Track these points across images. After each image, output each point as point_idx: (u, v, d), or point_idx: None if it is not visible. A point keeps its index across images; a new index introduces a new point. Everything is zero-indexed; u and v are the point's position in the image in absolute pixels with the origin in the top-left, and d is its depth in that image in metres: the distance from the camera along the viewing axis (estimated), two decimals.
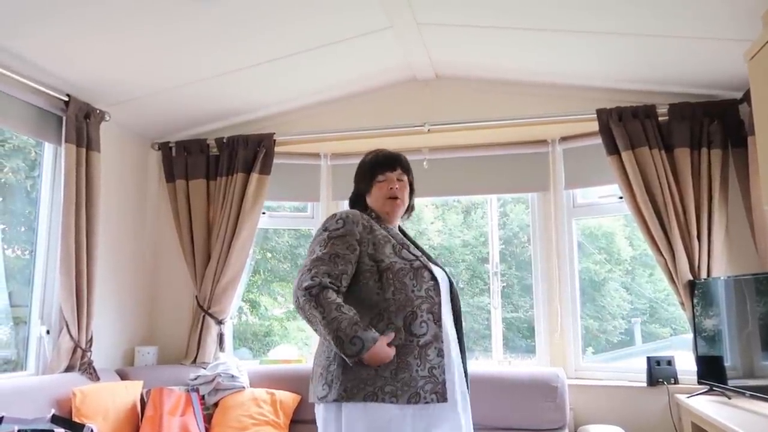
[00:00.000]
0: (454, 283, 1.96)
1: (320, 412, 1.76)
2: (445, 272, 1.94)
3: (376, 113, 3.51)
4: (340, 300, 1.70)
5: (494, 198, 3.58)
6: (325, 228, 1.82)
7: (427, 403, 1.67)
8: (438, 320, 1.77)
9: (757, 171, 2.62)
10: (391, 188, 1.93)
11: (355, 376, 1.68)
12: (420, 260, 1.82)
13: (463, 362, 1.88)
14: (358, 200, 2.00)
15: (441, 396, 1.69)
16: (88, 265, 2.93)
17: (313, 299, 1.68)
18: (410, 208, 2.06)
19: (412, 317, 1.74)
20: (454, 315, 1.91)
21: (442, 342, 1.75)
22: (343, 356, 1.67)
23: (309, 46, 2.89)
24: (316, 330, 1.72)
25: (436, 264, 1.95)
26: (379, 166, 1.95)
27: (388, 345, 1.70)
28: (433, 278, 1.81)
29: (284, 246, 4.42)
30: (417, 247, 1.99)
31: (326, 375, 1.73)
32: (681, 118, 2.96)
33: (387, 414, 1.65)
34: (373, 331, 1.68)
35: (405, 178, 1.98)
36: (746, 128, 2.84)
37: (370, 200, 1.96)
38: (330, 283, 1.71)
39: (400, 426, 1.65)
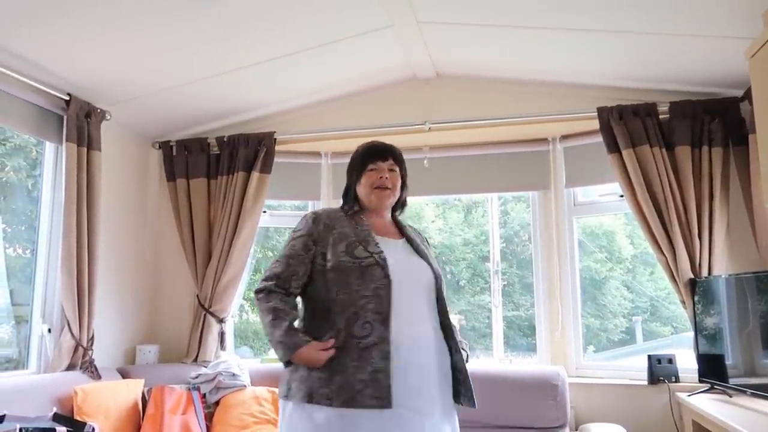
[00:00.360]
0: (441, 281, 1.84)
1: (279, 407, 1.79)
2: (432, 269, 1.83)
3: (376, 112, 3.51)
4: (281, 304, 1.72)
5: (495, 196, 3.59)
6: (294, 229, 1.85)
7: (365, 408, 1.59)
8: (385, 321, 1.66)
9: (758, 169, 2.62)
10: (380, 177, 1.85)
11: (297, 377, 1.69)
12: (375, 257, 1.72)
13: (454, 365, 1.78)
14: (347, 193, 1.94)
15: (384, 401, 1.59)
16: (90, 263, 2.94)
17: (259, 303, 1.75)
18: (403, 203, 1.97)
19: (354, 318, 1.67)
20: (440, 315, 1.81)
21: (389, 344, 1.64)
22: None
23: (309, 44, 2.89)
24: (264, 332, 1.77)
25: (426, 259, 1.84)
26: (370, 156, 1.88)
27: (335, 348, 1.65)
28: (386, 276, 1.70)
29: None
30: (409, 239, 1.89)
31: (284, 374, 1.76)
32: (682, 116, 2.96)
33: (323, 416, 1.61)
34: (300, 336, 1.68)
35: (397, 169, 1.90)
36: (747, 126, 2.83)
37: (359, 190, 1.89)
38: (276, 286, 1.75)
39: (328, 428, 1.60)
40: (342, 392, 1.61)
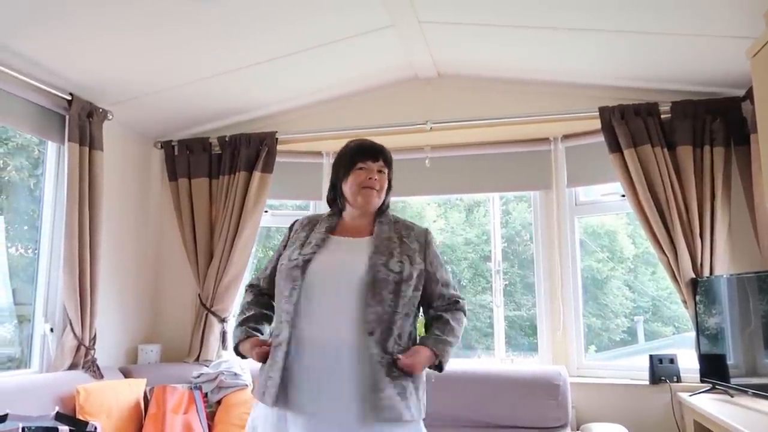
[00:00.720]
0: (377, 279, 1.65)
1: None
2: (370, 266, 1.67)
3: (378, 111, 3.51)
4: (250, 297, 1.90)
5: (496, 196, 3.59)
6: None
7: (266, 404, 1.65)
8: (289, 320, 1.65)
9: (759, 169, 2.61)
10: (369, 178, 1.79)
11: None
12: (300, 258, 1.71)
13: (359, 370, 1.60)
14: (333, 190, 1.89)
15: (273, 399, 1.61)
16: (92, 263, 2.94)
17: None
18: (386, 206, 1.88)
19: (277, 318, 1.76)
20: (373, 315, 1.63)
21: (289, 344, 1.63)
22: None
23: (311, 44, 2.89)
24: None
25: (374, 257, 1.69)
26: (361, 154, 1.82)
27: (269, 347, 1.72)
28: (301, 277, 1.67)
29: None
30: (377, 237, 1.77)
31: None
32: (683, 115, 2.95)
33: (256, 411, 1.73)
34: (245, 330, 1.80)
35: (386, 171, 1.84)
36: (749, 126, 2.83)
37: (345, 188, 1.82)
38: (252, 285, 1.93)
39: (261, 424, 1.69)
40: (259, 388, 1.70)
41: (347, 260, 1.72)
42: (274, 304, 1.85)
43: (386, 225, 1.84)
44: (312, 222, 1.90)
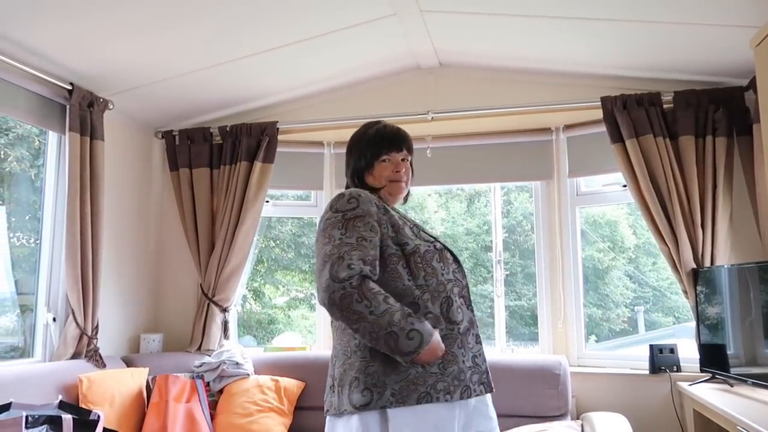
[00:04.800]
0: (463, 268, 1.78)
1: (351, 424, 1.48)
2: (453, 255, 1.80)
3: (379, 101, 3.50)
4: (385, 291, 1.48)
5: (498, 186, 3.58)
6: (336, 210, 1.57)
7: (477, 395, 1.55)
8: (469, 304, 1.64)
9: (762, 159, 2.61)
10: (397, 171, 1.73)
11: (403, 377, 1.47)
12: (440, 241, 1.67)
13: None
14: (358, 177, 1.76)
15: (488, 386, 1.58)
16: (94, 253, 2.95)
17: (354, 292, 1.43)
18: (408, 193, 1.86)
19: (448, 303, 1.57)
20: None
21: (477, 327, 1.63)
22: (397, 356, 1.44)
23: (312, 34, 2.88)
24: (356, 329, 1.45)
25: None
26: (385, 144, 1.73)
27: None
28: (456, 260, 1.67)
29: (288, 235, 4.43)
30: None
31: (364, 378, 1.48)
32: (686, 105, 2.94)
33: (436, 415, 1.47)
34: (428, 322, 1.49)
35: (409, 159, 1.80)
36: (752, 116, 2.82)
37: (371, 179, 1.74)
38: (370, 271, 1.49)
39: (449, 426, 1.48)
40: (458, 383, 1.51)
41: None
42: None
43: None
44: (378, 200, 1.66)
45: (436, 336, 1.47)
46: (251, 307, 4.40)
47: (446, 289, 1.58)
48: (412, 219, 1.74)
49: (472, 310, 1.65)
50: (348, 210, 1.56)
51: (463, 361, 1.54)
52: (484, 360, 1.61)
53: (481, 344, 1.63)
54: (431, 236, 1.68)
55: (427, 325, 1.47)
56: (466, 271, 1.75)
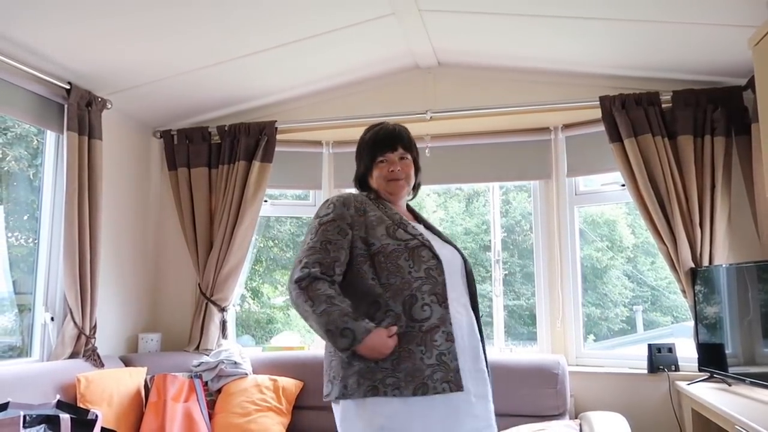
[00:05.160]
0: (469, 264, 1.81)
1: (334, 411, 1.68)
2: (459, 251, 1.81)
3: (378, 101, 3.50)
4: (332, 291, 1.60)
5: (496, 186, 3.58)
6: (316, 215, 1.73)
7: (437, 393, 1.53)
8: (443, 301, 1.63)
9: (760, 159, 2.60)
10: (391, 170, 1.80)
11: (354, 371, 1.57)
12: (419, 239, 1.68)
13: (482, 346, 1.74)
14: (362, 180, 1.87)
15: (455, 385, 1.55)
16: (92, 252, 2.94)
17: (303, 292, 1.59)
18: (416, 187, 1.92)
19: (411, 301, 1.61)
20: (470, 297, 1.77)
21: (451, 325, 1.61)
22: (338, 351, 1.58)
23: (311, 33, 2.88)
24: (310, 325, 1.60)
25: (449, 242, 1.83)
26: (379, 146, 1.82)
27: (396, 335, 1.58)
28: (435, 257, 1.67)
29: (286, 234, 4.43)
30: (427, 225, 1.87)
31: (329, 371, 1.65)
32: (684, 105, 2.94)
33: (388, 409, 1.53)
34: (366, 321, 1.57)
35: (408, 156, 1.84)
36: (750, 115, 2.82)
37: (372, 181, 1.83)
38: (321, 273, 1.61)
39: (405, 421, 1.52)
40: (411, 379, 1.54)
41: (445, 246, 1.79)
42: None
43: (420, 215, 1.94)
44: (361, 201, 1.75)
45: (375, 334, 1.55)
46: (250, 306, 4.39)
47: (411, 287, 1.62)
48: (402, 217, 1.75)
49: (446, 307, 1.63)
50: (323, 216, 1.71)
51: (422, 359, 1.56)
52: (455, 358, 1.58)
53: (453, 341, 1.60)
54: (411, 234, 1.69)
55: (363, 324, 1.55)
56: (456, 269, 1.74)
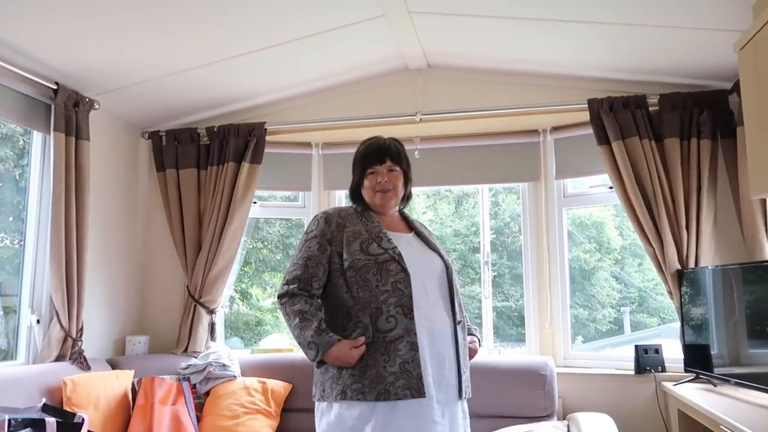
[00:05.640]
0: (451, 270, 1.90)
1: (315, 410, 1.84)
2: (443, 260, 1.90)
3: (367, 102, 3.50)
4: (306, 306, 1.76)
5: (486, 188, 3.59)
6: (305, 231, 1.90)
7: (399, 399, 1.66)
8: (408, 313, 1.73)
9: (745, 162, 2.64)
10: (379, 182, 1.91)
11: (329, 377, 1.74)
12: (389, 252, 1.78)
13: (457, 353, 1.81)
14: (354, 192, 2.00)
15: (416, 391, 1.67)
16: (78, 254, 2.92)
17: (283, 308, 1.79)
18: (407, 197, 2.03)
19: (377, 313, 1.73)
20: (453, 305, 1.86)
21: (415, 335, 1.72)
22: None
23: (301, 34, 2.87)
24: (291, 336, 1.84)
25: (435, 250, 1.92)
26: (368, 159, 1.94)
27: (366, 345, 1.72)
28: (403, 270, 1.77)
29: (275, 236, 4.41)
30: (418, 233, 1.96)
31: (314, 375, 1.83)
32: (671, 108, 2.97)
33: (356, 411, 1.68)
34: (330, 335, 1.72)
35: (397, 168, 1.95)
36: (735, 119, 2.85)
37: (363, 192, 1.95)
38: (299, 289, 1.79)
39: (371, 423, 1.66)
40: (375, 386, 1.67)
41: (426, 254, 1.89)
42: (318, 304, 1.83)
43: (415, 222, 2.04)
44: (345, 216, 1.89)
45: (339, 347, 1.69)
46: (239, 308, 4.37)
47: (378, 300, 1.74)
48: (381, 230, 1.84)
49: (411, 318, 1.72)
50: (309, 231, 1.87)
51: (385, 367, 1.69)
52: (418, 366, 1.69)
53: (416, 351, 1.70)
54: (384, 248, 1.79)
55: (326, 338, 1.71)
56: (433, 278, 1.83)
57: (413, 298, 1.75)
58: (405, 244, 1.87)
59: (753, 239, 2.75)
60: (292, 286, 1.79)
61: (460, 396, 1.81)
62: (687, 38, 2.66)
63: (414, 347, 1.70)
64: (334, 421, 1.71)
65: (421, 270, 1.81)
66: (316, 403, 1.82)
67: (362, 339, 1.72)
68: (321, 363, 1.75)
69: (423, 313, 1.76)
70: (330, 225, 1.85)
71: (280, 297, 1.82)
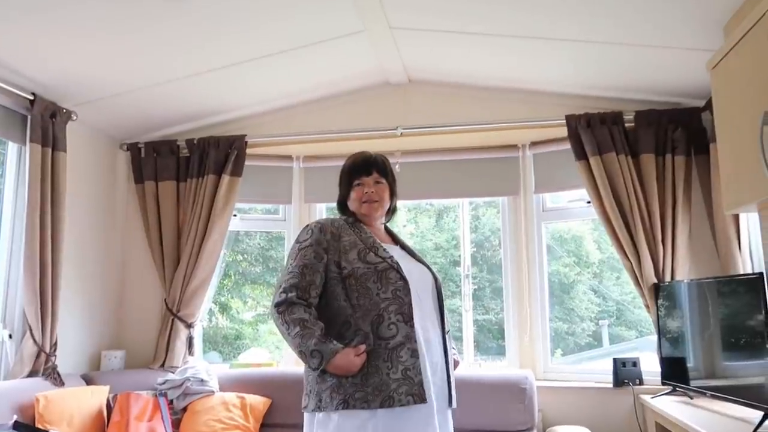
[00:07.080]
0: (439, 281, 1.95)
1: (305, 421, 1.81)
2: (431, 271, 1.95)
3: (349, 116, 3.51)
4: (306, 315, 1.74)
5: (466, 202, 3.62)
6: (297, 240, 1.88)
7: (402, 405, 1.67)
8: (409, 320, 1.75)
9: (718, 177, 2.69)
10: (365, 192, 1.94)
11: (328, 386, 1.72)
12: (387, 261, 1.81)
13: (446, 363, 1.85)
14: (341, 205, 2.03)
15: (418, 397, 1.69)
16: (53, 267, 2.87)
17: (280, 317, 1.75)
18: (392, 210, 2.06)
19: (378, 321, 1.74)
20: (441, 315, 1.90)
21: (416, 342, 1.74)
22: (311, 369, 1.75)
23: (282, 48, 2.88)
24: (289, 345, 1.77)
25: (422, 261, 1.97)
26: (355, 171, 1.97)
27: (365, 352, 1.71)
28: (402, 278, 1.79)
29: (255, 249, 4.38)
30: (403, 246, 2.01)
31: (306, 385, 1.80)
32: (647, 124, 3.03)
33: (358, 420, 1.67)
34: (334, 343, 1.71)
35: (383, 180, 1.98)
36: (708, 135, 2.92)
37: (350, 204, 1.98)
38: (298, 298, 1.76)
39: (369, 430, 1.66)
40: (378, 393, 1.67)
41: (417, 265, 1.92)
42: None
43: (398, 235, 2.07)
44: (338, 226, 1.89)
45: (342, 355, 1.68)
46: (217, 322, 4.32)
47: (379, 307, 1.75)
48: (375, 240, 1.87)
49: (411, 326, 1.74)
50: (303, 241, 1.85)
51: (388, 374, 1.69)
52: (419, 372, 1.71)
53: (417, 357, 1.72)
54: (381, 257, 1.81)
55: (330, 346, 1.69)
56: (425, 288, 1.87)
57: (413, 305, 1.77)
58: (397, 254, 1.90)
59: (727, 253, 2.80)
60: (290, 294, 1.76)
61: (449, 404, 1.84)
62: (661, 57, 2.72)
63: (415, 354, 1.72)
64: (333, 431, 1.69)
65: (417, 280, 1.85)
66: (308, 414, 1.78)
67: (363, 347, 1.72)
68: (322, 372, 1.73)
69: (419, 322, 1.78)
70: (325, 234, 1.84)
71: (277, 305, 1.77)
